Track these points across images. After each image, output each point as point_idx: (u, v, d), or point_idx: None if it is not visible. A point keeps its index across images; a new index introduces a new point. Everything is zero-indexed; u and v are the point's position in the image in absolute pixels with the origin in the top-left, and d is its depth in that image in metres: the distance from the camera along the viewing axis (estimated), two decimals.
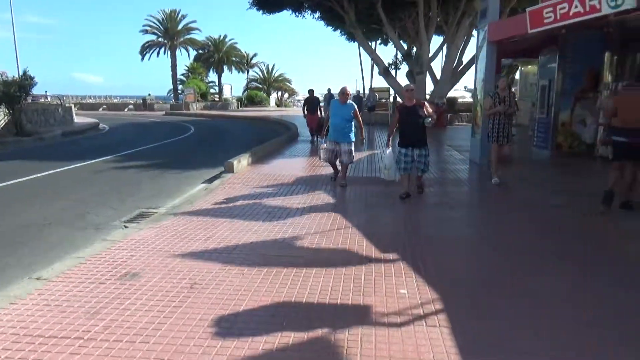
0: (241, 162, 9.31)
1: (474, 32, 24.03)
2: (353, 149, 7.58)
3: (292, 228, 5.39)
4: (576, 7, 7.14)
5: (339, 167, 7.88)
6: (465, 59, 23.62)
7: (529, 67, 20.63)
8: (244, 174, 8.80)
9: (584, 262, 4.39)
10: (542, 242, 4.96)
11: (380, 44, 32.31)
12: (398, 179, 7.10)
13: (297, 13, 23.28)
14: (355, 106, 7.57)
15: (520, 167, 9.79)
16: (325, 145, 7.67)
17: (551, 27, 7.90)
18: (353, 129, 7.62)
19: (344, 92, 7.46)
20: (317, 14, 24.74)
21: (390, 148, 7.12)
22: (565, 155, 10.62)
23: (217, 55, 52.58)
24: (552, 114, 10.58)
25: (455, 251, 4.73)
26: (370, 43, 28.82)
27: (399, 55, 23.70)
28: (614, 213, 5.92)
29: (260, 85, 59.72)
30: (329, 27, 26.70)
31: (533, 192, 7.29)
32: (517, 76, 27.11)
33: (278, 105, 55.60)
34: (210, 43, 53.06)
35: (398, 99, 23.75)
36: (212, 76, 54.71)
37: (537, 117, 11.42)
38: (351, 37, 26.06)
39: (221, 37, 53.52)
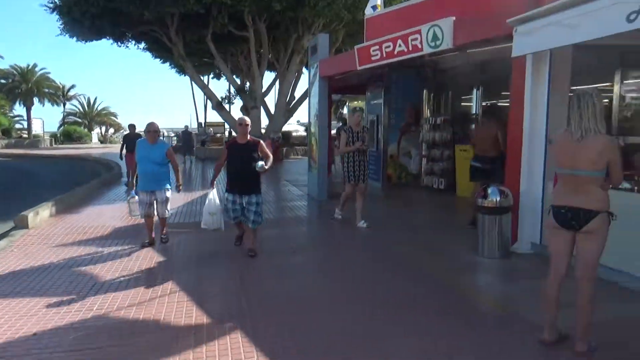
0: (40, 214, 7.49)
1: (304, 70, 25.15)
2: (169, 196, 6.09)
3: (100, 303, 4.16)
4: (400, 46, 7.36)
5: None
6: (298, 93, 24.30)
7: (356, 102, 21.99)
8: (44, 228, 7.06)
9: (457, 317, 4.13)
10: (397, 290, 4.62)
11: (213, 77, 31.65)
12: (224, 228, 5.90)
13: (119, 42, 21.30)
14: (169, 146, 6.44)
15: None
16: (136, 197, 6.00)
17: (378, 65, 8.10)
18: (169, 173, 6.17)
19: (149, 130, 5.98)
20: (143, 45, 23.06)
21: (215, 189, 5.85)
22: (395, 186, 11.08)
23: (24, 85, 45.82)
24: (381, 147, 10.98)
25: (301, 309, 4.08)
26: (202, 77, 27.96)
27: (232, 90, 23.20)
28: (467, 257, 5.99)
29: (80, 120, 53.84)
30: (158, 59, 25.14)
31: (375, 230, 7.16)
32: (344, 111, 28.95)
33: (102, 142, 50.58)
34: (15, 72, 46.09)
35: (233, 133, 23.15)
36: (20, 109, 47.48)
37: (369, 150, 11.78)
38: (182, 70, 24.84)
39: (30, 66, 46.95)
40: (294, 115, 24.67)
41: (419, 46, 7.02)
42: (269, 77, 25.21)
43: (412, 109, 10.99)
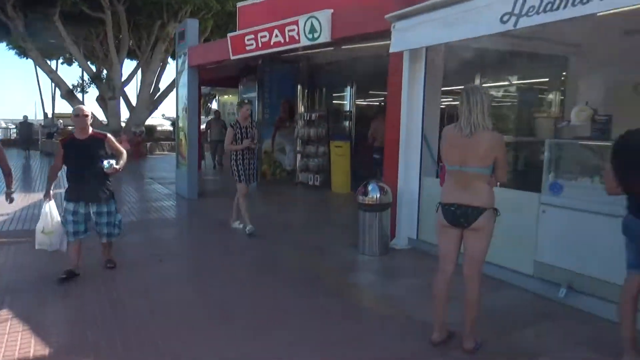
0: None
1: (171, 60, 23.51)
2: None
3: None
4: (277, 36, 7.02)
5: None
6: (163, 85, 22.67)
7: (226, 96, 21.21)
8: None
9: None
10: (278, 298, 4.25)
11: (63, 63, 28.11)
12: (66, 249, 4.49)
13: None
14: None
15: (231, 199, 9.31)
16: None
17: (253, 55, 7.66)
18: None
19: None
20: None
21: (51, 201, 4.47)
22: (270, 183, 10.75)
23: None
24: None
25: (168, 331, 3.51)
26: (50, 61, 24.61)
27: (87, 77, 20.78)
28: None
29: None
30: None
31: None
32: (214, 105, 27.88)
33: None
34: None
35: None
36: None
37: None
38: (23, 53, 21.51)
39: None
40: (159, 108, 22.98)
41: (296, 37, 6.75)
42: (130, 65, 23.24)
43: (286, 103, 10.75)
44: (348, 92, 9.86)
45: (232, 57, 7.89)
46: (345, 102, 10.16)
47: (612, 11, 3.81)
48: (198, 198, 9.04)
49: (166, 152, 22.81)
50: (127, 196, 9.61)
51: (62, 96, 20.01)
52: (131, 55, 23.51)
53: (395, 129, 5.62)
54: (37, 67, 26.26)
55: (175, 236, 6.60)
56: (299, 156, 10.50)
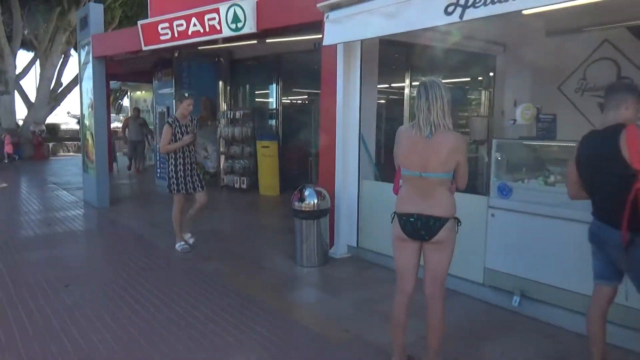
0: None
1: (74, 52, 21.40)
2: None
3: None
4: (195, 25, 6.32)
5: None
6: (66, 79, 20.64)
7: (139, 92, 19.73)
8: None
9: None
10: (208, 325, 3.66)
11: None
12: None
13: None
14: None
15: (149, 204, 8.43)
16: None
17: (169, 46, 6.89)
18: None
19: None
20: None
21: None
22: None
23: None
24: None
25: None
26: None
27: None
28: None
29: None
30: None
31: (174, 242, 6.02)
32: (125, 102, 25.94)
33: None
34: None
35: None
36: None
37: (159, 147, 10.35)
38: None
39: None
40: (63, 105, 20.84)
41: (217, 27, 6.12)
42: (27, 57, 20.81)
43: (207, 101, 9.98)
44: (274, 89, 9.33)
45: (144, 48, 7.06)
46: (271, 99, 9.62)
47: (535, 11, 3.69)
48: (110, 206, 8.07)
49: (72, 154, 20.82)
50: (26, 205, 8.38)
51: None
52: (28, 46, 21.17)
53: (330, 128, 5.21)
54: None
55: (83, 253, 5.70)
56: (222, 157, 9.81)
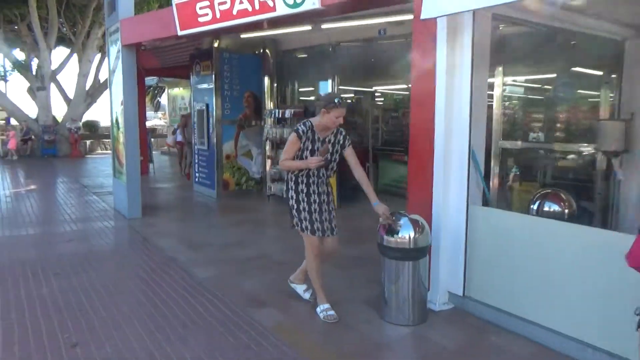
0: None
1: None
2: None
3: None
4: (242, 3, 5.09)
5: None
6: (103, 76, 20.04)
7: (177, 89, 18.87)
8: None
9: None
10: None
11: None
12: None
13: None
14: None
15: (187, 216, 7.29)
16: None
17: (210, 30, 5.68)
18: None
19: None
20: None
21: None
22: (234, 194, 8.77)
23: None
24: (214, 145, 8.56)
25: None
26: None
27: (10, 64, 17.85)
28: None
29: None
30: None
31: (216, 270, 4.80)
32: (164, 100, 25.26)
33: None
34: None
35: (13, 120, 17.91)
36: None
37: (197, 148, 9.25)
38: None
39: None
40: (101, 101, 20.18)
41: (270, 4, 4.85)
42: (64, 53, 20.46)
43: (251, 97, 8.80)
44: (329, 84, 8.01)
45: (180, 33, 5.87)
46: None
47: None
48: (142, 218, 6.98)
49: (110, 152, 20.16)
50: (49, 213, 7.39)
51: None
52: (66, 43, 20.69)
53: (425, 136, 3.85)
54: None
55: (102, 288, 4.55)
56: (268, 162, 8.59)
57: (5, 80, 18.25)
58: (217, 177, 8.57)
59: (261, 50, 8.67)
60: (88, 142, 19.18)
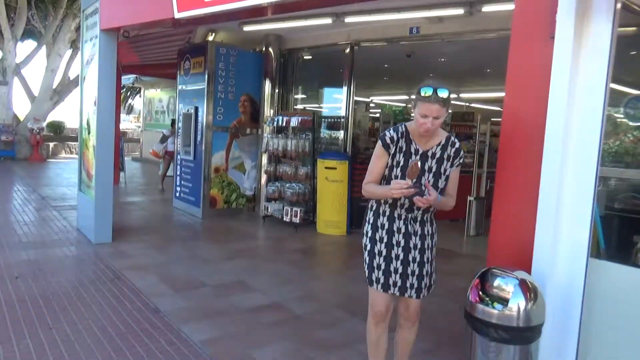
0: None
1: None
2: None
3: None
4: None
5: None
6: (73, 73, 18.43)
7: (154, 91, 17.45)
8: None
9: None
10: None
11: None
12: None
13: None
14: None
15: (168, 242, 5.99)
16: None
17: (214, 11, 4.51)
18: None
19: None
20: None
21: None
22: (222, 213, 7.52)
23: None
24: (201, 156, 7.31)
25: None
26: None
27: None
28: None
29: None
30: None
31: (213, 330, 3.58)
32: (138, 103, 23.72)
33: None
34: None
35: None
36: None
37: (181, 158, 7.97)
38: None
39: None
40: (69, 101, 18.54)
41: None
42: (31, 46, 18.68)
43: (248, 101, 7.62)
44: (343, 91, 6.90)
45: (178, 15, 4.67)
46: (337, 104, 7.18)
47: None
48: (112, 243, 5.68)
49: (75, 156, 18.51)
50: (1, 231, 5.98)
51: None
52: (34, 36, 19.04)
53: (525, 160, 2.77)
54: None
55: (62, 341, 3.27)
56: (264, 177, 7.41)
57: None
58: (203, 192, 7.32)
59: (263, 48, 7.51)
60: (51, 144, 17.51)
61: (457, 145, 2.54)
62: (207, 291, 4.32)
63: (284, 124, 6.72)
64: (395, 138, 2.43)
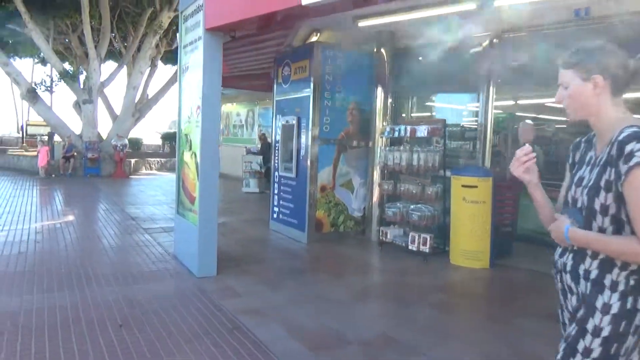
0: None
1: (160, 62, 19.23)
2: None
3: None
4: None
5: None
6: (152, 91, 18.58)
7: (231, 104, 17.06)
8: None
9: None
10: None
11: (37, 62, 23.84)
12: None
13: None
14: None
15: (279, 275, 5.07)
16: None
17: None
18: None
19: None
20: None
21: None
22: (329, 238, 6.56)
23: None
24: (306, 172, 6.41)
25: None
26: (20, 59, 20.36)
27: (56, 74, 16.50)
28: None
29: None
30: None
31: None
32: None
33: None
34: None
35: (57, 136, 16.47)
36: None
37: (279, 175, 7.13)
38: None
39: None
40: (146, 119, 18.64)
41: None
42: (112, 67, 19.26)
43: (357, 110, 6.66)
44: (481, 96, 5.76)
45: (305, 2, 3.78)
46: (471, 110, 6.04)
47: None
48: (217, 277, 4.85)
49: (154, 171, 18.52)
50: (93, 260, 5.31)
51: (23, 96, 15.68)
52: (115, 57, 19.45)
53: None
54: None
55: None
56: (375, 193, 6.39)
57: (51, 92, 16.87)
58: (308, 215, 6.40)
59: (374, 49, 6.55)
60: (132, 160, 17.54)
61: (622, 136, 1.39)
62: (353, 352, 3.31)
63: (407, 134, 5.66)
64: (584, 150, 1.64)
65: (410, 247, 5.60)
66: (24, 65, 41.39)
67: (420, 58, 6.29)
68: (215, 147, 4.87)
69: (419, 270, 5.29)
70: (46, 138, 18.21)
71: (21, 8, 13.56)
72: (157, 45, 17.05)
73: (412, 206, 5.70)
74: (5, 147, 21.98)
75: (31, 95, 15.10)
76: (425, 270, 5.29)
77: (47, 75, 17.60)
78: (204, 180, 4.80)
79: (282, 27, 6.36)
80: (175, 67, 21.01)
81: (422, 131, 5.46)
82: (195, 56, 5.06)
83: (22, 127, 26.00)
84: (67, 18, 15.80)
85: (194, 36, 5.08)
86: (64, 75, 14.85)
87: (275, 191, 7.21)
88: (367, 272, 5.29)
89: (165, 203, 10.00)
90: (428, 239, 5.47)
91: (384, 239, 5.98)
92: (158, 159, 19.99)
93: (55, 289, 4.36)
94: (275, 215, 7.23)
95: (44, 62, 22.19)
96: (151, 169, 19.06)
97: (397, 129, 5.83)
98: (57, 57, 15.60)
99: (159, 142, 31.33)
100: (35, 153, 15.31)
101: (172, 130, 34.92)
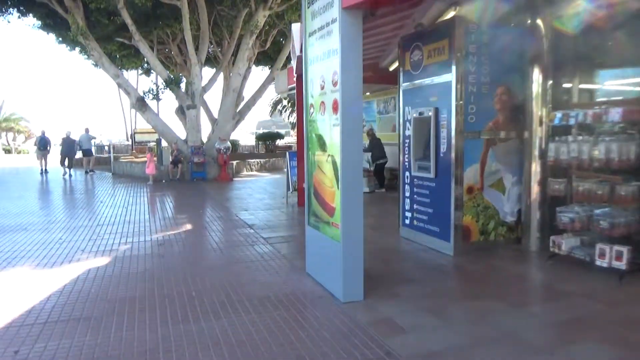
0: None
1: (253, 65, 19.13)
2: None
3: None
4: None
5: None
6: (247, 94, 18.56)
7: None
8: None
9: None
10: None
11: (141, 74, 25.10)
12: None
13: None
14: None
15: (438, 300, 4.19)
16: None
17: None
18: None
19: None
20: (34, 19, 16.37)
21: None
22: (479, 249, 5.55)
23: None
24: (451, 171, 5.45)
25: None
26: (126, 70, 21.47)
27: (161, 82, 16.96)
28: None
29: None
30: (63, 45, 18.36)
31: None
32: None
33: (8, 152, 43.36)
34: None
35: (164, 142, 16.95)
36: None
37: (412, 175, 6.24)
38: (83, 50, 17.75)
39: None
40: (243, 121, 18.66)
41: None
42: (210, 73, 20.03)
43: (506, 95, 5.57)
44: None
45: None
46: None
47: None
48: (365, 301, 4.09)
49: (255, 173, 18.48)
50: (215, 279, 4.81)
51: (133, 105, 16.30)
52: (211, 62, 19.75)
53: None
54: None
55: None
56: (534, 191, 5.26)
57: (158, 99, 17.38)
58: (452, 221, 5.44)
59: (528, 21, 5.42)
60: (234, 162, 17.59)
61: None
62: None
63: (589, 120, 4.49)
64: None
65: (598, 263, 4.43)
66: (130, 76, 44.37)
67: (589, 28, 5.05)
68: (359, 150, 4.10)
69: (614, 293, 4.13)
70: (154, 144, 18.90)
71: (128, 20, 13.97)
72: (253, 46, 16.90)
73: (597, 210, 4.52)
74: (117, 154, 23.29)
75: (140, 103, 15.59)
76: (626, 293, 4.11)
77: (154, 83, 18.17)
78: (347, 190, 4.04)
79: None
80: (267, 69, 21.02)
81: (615, 115, 4.26)
82: (327, 43, 4.32)
83: (131, 134, 27.53)
84: (168, 28, 16.17)
85: (325, 20, 4.34)
86: (169, 83, 15.13)
87: (407, 194, 6.33)
88: (552, 298, 4.22)
89: (275, 208, 9.54)
90: (624, 252, 4.28)
91: (556, 250, 4.85)
92: (257, 160, 19.99)
93: (190, 318, 3.85)
94: (407, 222, 6.35)
95: (147, 72, 23.27)
96: (251, 170, 19.06)
97: (572, 114, 4.67)
98: (161, 65, 15.98)
99: (253, 142, 31.84)
100: (144, 159, 15.79)
101: (265, 131, 35.53)
